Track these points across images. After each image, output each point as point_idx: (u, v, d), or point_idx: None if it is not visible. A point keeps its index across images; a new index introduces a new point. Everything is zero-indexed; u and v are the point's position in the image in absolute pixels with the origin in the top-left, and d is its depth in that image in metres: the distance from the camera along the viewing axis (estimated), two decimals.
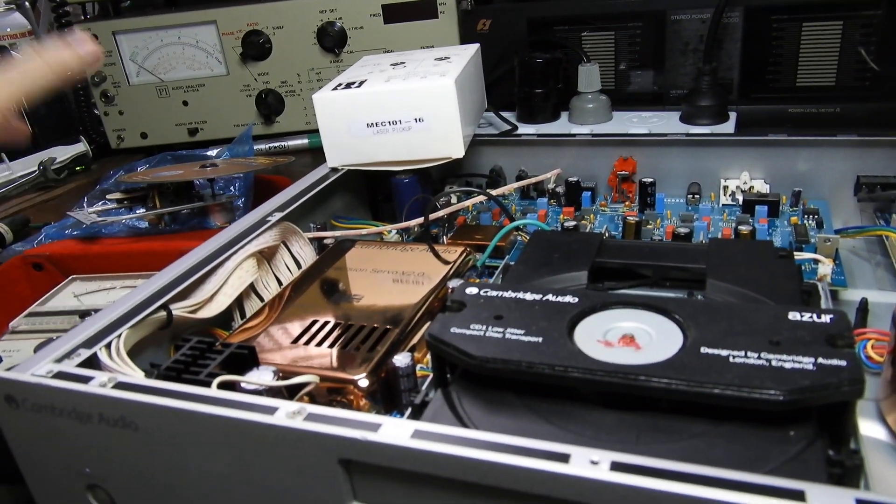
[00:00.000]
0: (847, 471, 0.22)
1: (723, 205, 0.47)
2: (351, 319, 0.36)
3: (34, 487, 0.31)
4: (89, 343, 0.31)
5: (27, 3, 0.98)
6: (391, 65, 0.52)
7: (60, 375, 0.28)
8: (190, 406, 0.25)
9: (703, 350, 0.25)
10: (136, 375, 0.29)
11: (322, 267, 0.42)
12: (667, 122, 0.61)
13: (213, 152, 0.74)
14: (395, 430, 0.23)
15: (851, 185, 0.45)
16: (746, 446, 0.23)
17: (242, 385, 0.29)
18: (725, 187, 0.47)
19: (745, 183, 0.46)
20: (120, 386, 0.27)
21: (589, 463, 0.20)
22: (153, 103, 0.83)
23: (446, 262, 0.41)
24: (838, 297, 0.37)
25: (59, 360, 0.30)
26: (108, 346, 0.31)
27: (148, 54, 0.82)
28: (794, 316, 0.26)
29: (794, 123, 0.63)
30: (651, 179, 0.48)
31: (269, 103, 0.81)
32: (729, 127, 0.59)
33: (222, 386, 0.28)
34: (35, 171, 0.78)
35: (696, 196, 0.47)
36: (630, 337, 0.27)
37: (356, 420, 0.23)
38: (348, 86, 0.48)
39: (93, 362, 0.30)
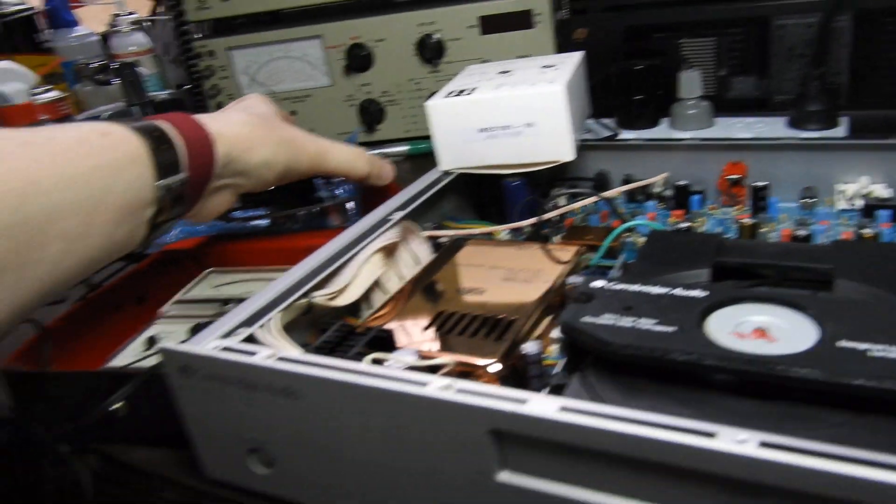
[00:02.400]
0: None
1: (840, 209, 0.46)
2: (475, 311, 0.38)
3: (201, 450, 0.35)
4: (248, 322, 0.34)
5: (149, 23, 1.07)
6: (498, 73, 0.54)
7: (228, 350, 0.31)
8: (349, 378, 0.28)
9: (840, 343, 0.26)
10: (294, 351, 0.32)
11: (441, 263, 0.45)
12: (773, 128, 0.61)
13: None
14: (543, 404, 0.25)
15: None
16: (892, 438, 0.23)
17: (388, 363, 0.31)
18: (842, 192, 0.47)
19: (863, 188, 0.46)
20: (283, 359, 0.30)
21: (736, 441, 0.22)
22: None
23: (563, 259, 0.42)
24: None
25: (224, 337, 0.33)
26: (263, 326, 0.34)
27: (259, 67, 0.87)
28: None
29: None
30: (764, 183, 0.48)
31: (371, 112, 0.85)
32: (840, 132, 0.59)
33: (372, 362, 0.30)
34: None
35: (811, 200, 0.47)
36: (763, 330, 0.28)
37: (504, 395, 0.25)
38: (460, 93, 0.50)
39: (251, 340, 0.34)
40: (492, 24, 0.80)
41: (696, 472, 0.22)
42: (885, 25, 0.62)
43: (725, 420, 0.25)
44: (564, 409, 0.24)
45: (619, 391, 0.28)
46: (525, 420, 0.24)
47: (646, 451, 0.23)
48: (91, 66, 0.94)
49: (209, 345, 0.32)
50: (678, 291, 0.31)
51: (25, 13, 1.04)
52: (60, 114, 0.83)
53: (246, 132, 0.40)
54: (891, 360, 0.24)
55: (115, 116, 0.79)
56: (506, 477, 0.26)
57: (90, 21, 1.13)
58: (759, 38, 0.67)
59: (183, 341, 0.33)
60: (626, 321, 0.29)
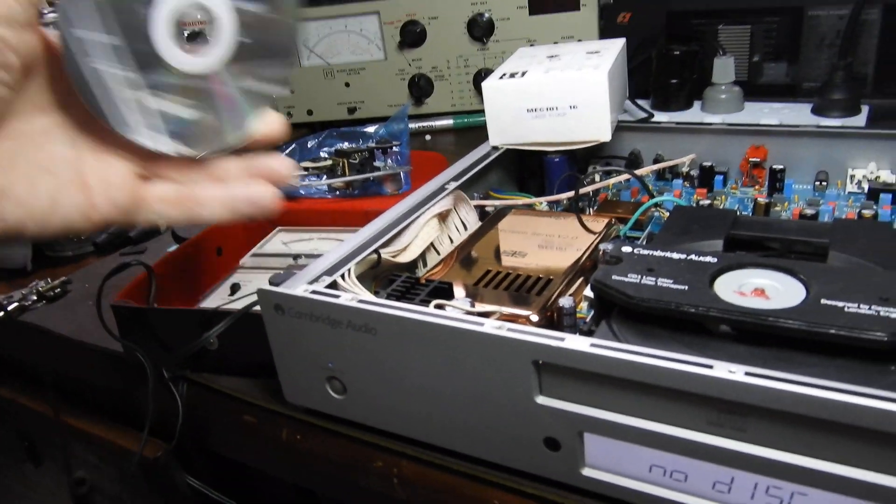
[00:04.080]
0: None
1: (849, 192, 0.51)
2: (518, 271, 0.44)
3: (284, 377, 0.42)
4: (329, 272, 0.41)
5: None
6: (547, 57, 0.59)
7: (316, 292, 0.38)
8: (420, 317, 0.34)
9: (823, 301, 0.31)
10: (369, 296, 0.39)
11: (487, 229, 0.51)
12: (798, 114, 0.65)
13: (371, 129, 0.85)
14: (577, 342, 0.31)
15: None
16: (855, 376, 0.29)
17: (448, 309, 0.38)
18: (852, 176, 0.51)
19: (871, 173, 0.50)
20: (363, 301, 0.36)
21: (728, 371, 0.28)
22: (319, 84, 0.94)
23: (595, 230, 0.48)
24: None
25: (310, 283, 0.40)
26: (342, 275, 0.41)
27: (318, 40, 0.93)
28: None
29: None
30: (781, 167, 0.53)
31: (420, 86, 0.90)
32: (860, 120, 0.63)
33: (436, 307, 0.37)
34: None
35: (823, 183, 0.52)
36: (761, 290, 0.34)
37: (546, 334, 0.32)
38: (512, 75, 0.56)
39: (332, 286, 0.40)
40: (539, 6, 0.84)
41: (695, 395, 0.28)
42: None
43: (723, 360, 0.31)
44: (594, 345, 0.30)
45: (638, 337, 0.34)
46: (563, 352, 0.31)
47: (657, 378, 0.29)
48: None
49: (299, 288, 0.39)
50: (693, 257, 0.36)
51: None
52: None
53: None
54: (862, 314, 0.30)
55: None
56: (542, 400, 0.33)
57: None
58: (793, 28, 0.71)
59: (277, 284, 0.39)
60: (649, 280, 0.35)
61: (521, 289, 0.42)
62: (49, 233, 0.28)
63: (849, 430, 0.26)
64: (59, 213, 0.28)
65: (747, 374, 0.27)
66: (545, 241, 0.49)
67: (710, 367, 0.28)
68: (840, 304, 0.31)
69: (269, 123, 0.31)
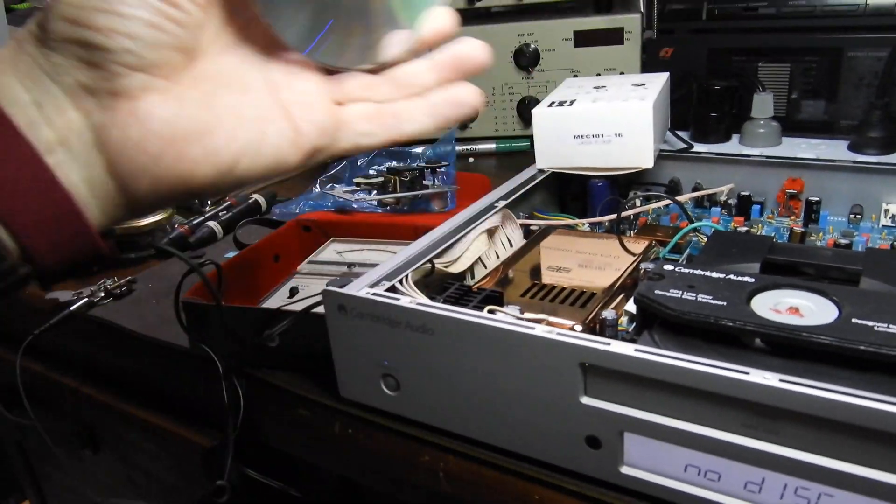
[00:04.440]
0: None
1: (882, 226, 0.53)
2: (561, 285, 0.47)
3: (341, 374, 0.45)
4: (388, 277, 0.44)
5: None
6: (594, 87, 0.62)
7: (377, 294, 0.41)
8: (475, 320, 0.37)
9: (854, 320, 0.34)
10: (427, 300, 0.42)
11: (532, 246, 0.54)
12: (834, 150, 0.67)
13: (419, 149, 0.89)
14: (623, 346, 0.34)
15: None
16: (883, 389, 0.31)
17: (499, 314, 0.41)
18: (886, 210, 0.53)
19: None
20: (421, 304, 0.40)
21: (763, 377, 0.30)
22: None
23: (635, 251, 0.51)
24: None
25: (371, 286, 0.43)
26: (400, 280, 0.44)
27: None
28: None
29: None
30: (817, 198, 0.55)
31: None
32: None
33: (489, 312, 0.40)
34: None
35: (857, 216, 0.54)
36: (796, 308, 0.36)
37: (593, 339, 0.34)
38: (561, 104, 0.59)
39: (391, 290, 0.43)
40: (584, 39, 0.88)
41: (731, 398, 0.31)
42: None
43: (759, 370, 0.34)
44: (638, 350, 0.33)
45: (678, 348, 0.36)
46: (609, 356, 0.33)
47: (696, 382, 0.31)
48: None
49: (362, 291, 0.42)
50: (732, 277, 0.39)
51: None
52: None
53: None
54: (892, 333, 0.32)
55: None
56: (586, 400, 0.35)
57: None
58: (832, 67, 0.74)
59: (340, 286, 0.43)
60: (689, 295, 0.37)
61: (565, 302, 0.45)
62: (261, 168, 0.28)
63: (875, 435, 0.28)
64: (269, 142, 0.28)
65: (781, 380, 0.30)
66: (586, 259, 0.51)
67: (747, 373, 0.31)
68: (871, 323, 0.33)
69: (439, 19, 0.30)
